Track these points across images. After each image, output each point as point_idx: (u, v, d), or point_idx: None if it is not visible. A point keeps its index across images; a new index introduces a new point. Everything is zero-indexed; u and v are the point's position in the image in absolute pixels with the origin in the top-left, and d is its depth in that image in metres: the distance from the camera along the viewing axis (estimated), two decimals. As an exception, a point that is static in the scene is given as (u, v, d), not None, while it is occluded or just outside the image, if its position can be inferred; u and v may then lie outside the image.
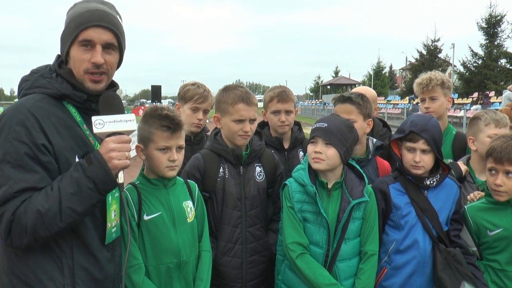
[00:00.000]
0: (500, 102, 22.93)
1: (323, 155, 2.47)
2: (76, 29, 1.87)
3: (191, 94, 3.31)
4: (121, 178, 1.83)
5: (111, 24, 1.91)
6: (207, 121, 3.53)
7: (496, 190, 2.56)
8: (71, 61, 1.92)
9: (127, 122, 1.85)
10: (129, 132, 1.86)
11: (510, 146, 2.52)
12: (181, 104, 3.37)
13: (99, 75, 1.91)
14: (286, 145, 3.19)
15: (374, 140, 2.95)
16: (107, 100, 1.90)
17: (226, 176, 2.75)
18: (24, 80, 1.95)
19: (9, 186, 1.70)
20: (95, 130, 1.80)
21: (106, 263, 1.96)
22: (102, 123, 1.80)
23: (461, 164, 2.98)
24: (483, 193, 2.73)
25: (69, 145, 1.84)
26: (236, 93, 2.72)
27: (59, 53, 1.99)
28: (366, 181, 2.58)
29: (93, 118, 1.81)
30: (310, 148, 2.52)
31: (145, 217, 2.30)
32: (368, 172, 2.81)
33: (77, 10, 1.91)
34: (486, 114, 3.01)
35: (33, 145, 1.74)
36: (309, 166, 2.55)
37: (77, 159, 1.84)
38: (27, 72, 2.00)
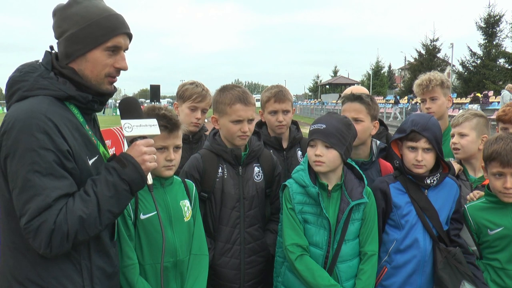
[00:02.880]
0: (499, 102, 23.03)
1: (324, 157, 2.46)
2: (106, 35, 1.86)
3: (189, 93, 3.30)
4: (150, 179, 1.92)
5: (130, 29, 1.96)
6: (205, 120, 3.52)
7: (505, 193, 2.52)
8: (86, 63, 1.87)
9: (151, 126, 1.93)
10: (152, 137, 1.93)
11: None
12: (179, 103, 3.36)
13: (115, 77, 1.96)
14: (284, 145, 3.18)
15: (378, 142, 2.93)
16: (130, 105, 1.96)
17: (225, 177, 2.73)
18: (18, 81, 1.83)
19: (45, 195, 1.67)
20: (126, 134, 1.86)
21: (115, 258, 2.04)
22: (130, 127, 1.88)
23: (454, 163, 2.99)
24: (482, 193, 2.72)
25: (82, 148, 1.84)
26: (234, 94, 2.70)
27: (49, 50, 1.93)
28: (366, 182, 2.57)
29: (122, 122, 1.88)
30: (310, 151, 2.51)
31: (142, 216, 2.29)
32: (371, 175, 2.80)
33: (94, 11, 1.86)
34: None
35: (59, 152, 1.71)
36: (309, 166, 2.55)
37: (88, 161, 1.85)
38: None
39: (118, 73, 1.94)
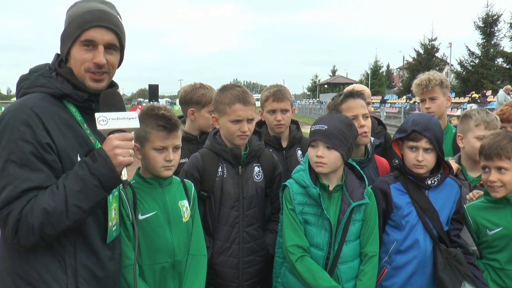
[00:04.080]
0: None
1: (325, 158, 2.44)
2: (78, 29, 1.87)
3: (208, 98, 3.24)
4: (124, 175, 1.84)
5: (113, 24, 1.92)
6: None
7: (491, 187, 2.57)
8: (71, 61, 1.92)
9: (130, 119, 1.84)
10: (131, 130, 1.86)
11: (497, 142, 2.55)
12: (196, 109, 3.28)
13: (100, 74, 1.92)
14: (284, 144, 3.18)
15: (373, 139, 2.93)
16: (108, 97, 1.90)
17: (225, 176, 2.73)
18: (23, 79, 1.93)
19: (15, 186, 1.69)
20: (99, 127, 1.79)
21: (107, 261, 1.98)
22: (105, 120, 1.79)
23: (452, 162, 2.98)
24: (481, 192, 2.73)
25: (72, 145, 1.84)
26: (233, 93, 2.69)
27: (58, 52, 1.99)
28: (367, 182, 2.56)
29: (97, 115, 1.80)
30: (312, 152, 2.49)
31: (140, 217, 2.28)
32: (368, 172, 2.79)
33: (78, 10, 1.91)
34: (478, 114, 2.98)
35: (38, 144, 1.73)
36: (309, 166, 2.53)
37: (79, 158, 1.84)
38: (24, 71, 1.99)
39: (97, 68, 1.90)
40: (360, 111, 2.76)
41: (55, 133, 1.79)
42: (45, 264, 1.79)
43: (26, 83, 1.90)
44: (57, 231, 1.73)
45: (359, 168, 2.60)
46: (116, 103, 1.89)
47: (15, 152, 1.71)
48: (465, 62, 36.83)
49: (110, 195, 1.93)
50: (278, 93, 3.13)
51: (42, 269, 1.79)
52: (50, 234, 1.72)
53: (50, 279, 1.79)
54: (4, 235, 1.79)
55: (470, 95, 29.73)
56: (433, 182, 2.58)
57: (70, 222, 1.73)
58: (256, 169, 2.81)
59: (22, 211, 1.69)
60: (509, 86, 20.26)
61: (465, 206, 2.71)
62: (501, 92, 19.45)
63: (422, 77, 3.49)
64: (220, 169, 2.74)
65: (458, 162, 3.04)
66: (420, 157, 2.54)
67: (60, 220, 1.71)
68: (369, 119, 2.82)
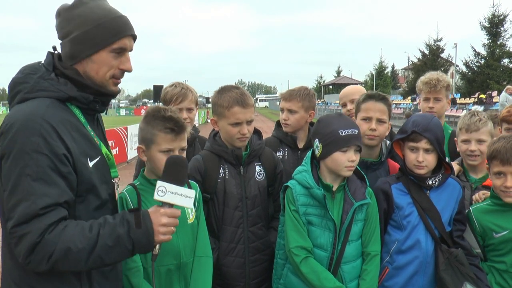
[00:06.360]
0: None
1: (355, 162, 2.47)
2: (113, 36, 1.83)
3: (169, 95, 3.19)
4: (157, 249, 1.83)
5: (134, 31, 1.94)
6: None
7: (505, 192, 2.52)
8: (92, 65, 1.85)
9: (187, 198, 1.81)
10: (180, 208, 1.83)
11: None
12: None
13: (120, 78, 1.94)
14: (300, 145, 3.19)
15: (388, 142, 2.93)
16: (175, 166, 1.84)
17: (227, 177, 2.74)
18: (19, 82, 1.81)
19: (32, 202, 1.60)
20: (156, 197, 1.77)
21: (118, 262, 1.96)
22: (164, 192, 1.77)
23: (455, 164, 2.97)
24: (488, 193, 2.70)
25: (83, 150, 1.80)
26: (231, 96, 2.68)
27: (51, 51, 1.91)
28: (367, 183, 2.57)
29: (158, 183, 1.77)
30: (343, 156, 2.44)
31: None
32: (380, 175, 2.80)
33: (100, 13, 1.84)
34: (464, 117, 2.97)
35: (54, 155, 1.66)
36: (311, 167, 2.53)
37: (89, 163, 1.81)
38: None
39: (122, 75, 1.92)
40: (376, 114, 2.76)
41: (69, 140, 1.73)
42: (59, 272, 1.73)
43: (26, 87, 1.78)
44: (70, 269, 1.69)
45: (359, 168, 2.60)
46: (179, 175, 1.84)
47: (30, 165, 1.62)
48: (471, 63, 36.77)
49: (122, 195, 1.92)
50: (286, 93, 3.21)
51: (54, 278, 1.74)
52: (61, 269, 1.68)
53: (64, 287, 1.77)
54: (14, 252, 1.68)
55: (476, 96, 29.60)
56: (434, 182, 2.57)
57: (85, 267, 1.70)
58: (258, 168, 2.82)
59: (45, 236, 1.60)
60: (510, 87, 20.02)
61: (470, 209, 2.69)
62: (503, 93, 19.29)
63: (431, 76, 3.44)
64: (222, 170, 2.75)
65: (461, 164, 3.02)
66: (420, 158, 2.54)
67: (78, 262, 1.66)
68: (385, 125, 2.79)
